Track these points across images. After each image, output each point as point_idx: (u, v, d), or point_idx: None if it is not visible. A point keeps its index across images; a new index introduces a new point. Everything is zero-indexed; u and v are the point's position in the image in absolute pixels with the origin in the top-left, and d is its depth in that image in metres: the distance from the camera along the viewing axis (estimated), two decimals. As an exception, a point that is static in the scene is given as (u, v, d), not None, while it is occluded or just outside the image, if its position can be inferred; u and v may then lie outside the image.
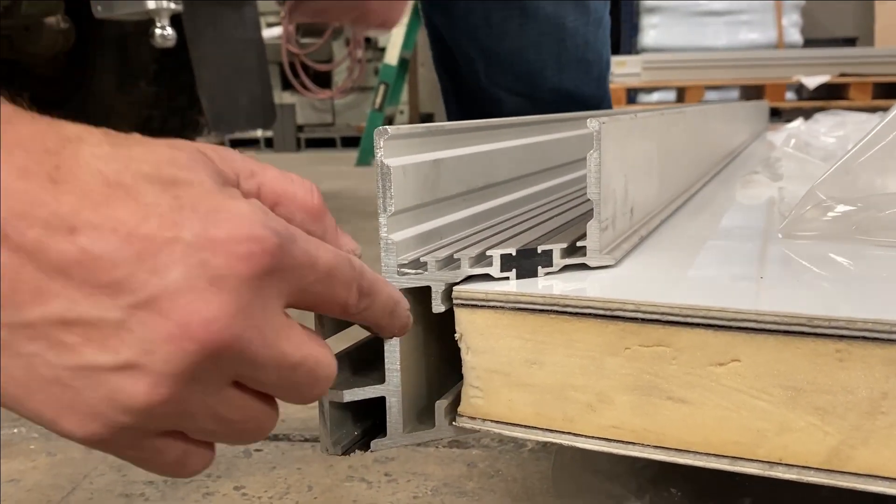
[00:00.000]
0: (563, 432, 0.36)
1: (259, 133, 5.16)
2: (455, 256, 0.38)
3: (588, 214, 0.49)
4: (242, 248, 0.24)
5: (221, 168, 0.27)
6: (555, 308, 0.35)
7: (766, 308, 0.32)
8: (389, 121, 4.13)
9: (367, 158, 4.01)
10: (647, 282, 0.39)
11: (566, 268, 0.40)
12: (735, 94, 3.73)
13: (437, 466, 0.74)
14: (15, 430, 0.86)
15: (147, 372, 0.23)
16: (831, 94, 3.37)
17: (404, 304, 0.34)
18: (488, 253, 0.38)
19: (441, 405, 0.38)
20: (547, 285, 0.38)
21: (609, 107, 0.90)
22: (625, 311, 0.34)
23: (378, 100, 4.03)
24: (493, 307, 0.37)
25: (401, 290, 0.37)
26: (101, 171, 0.23)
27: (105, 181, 0.23)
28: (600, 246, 0.40)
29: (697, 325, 0.33)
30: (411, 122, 4.96)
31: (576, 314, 0.35)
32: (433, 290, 0.37)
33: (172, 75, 2.64)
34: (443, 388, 0.40)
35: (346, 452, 0.37)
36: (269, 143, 5.22)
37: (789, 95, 3.64)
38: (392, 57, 3.97)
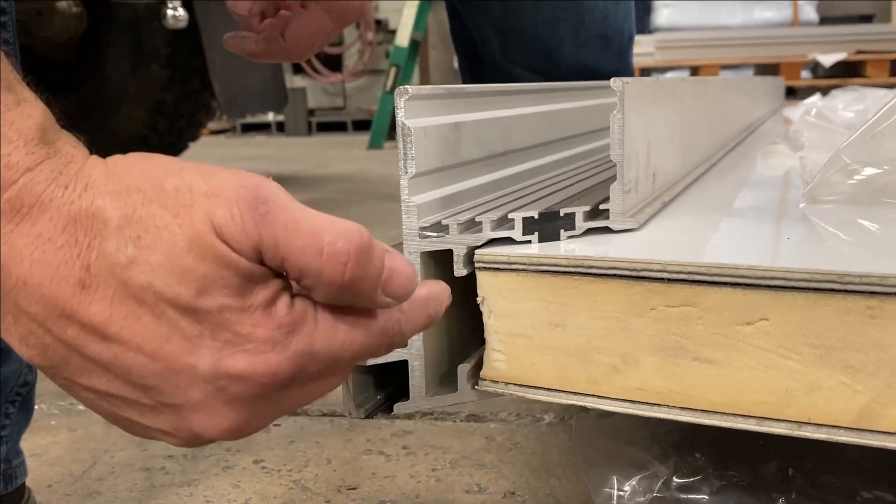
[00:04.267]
0: (588, 395, 0.36)
1: (270, 117, 5.16)
2: (477, 220, 0.38)
3: (609, 181, 0.49)
4: (258, 380, 0.25)
5: (241, 266, 0.25)
6: (579, 270, 0.35)
7: (795, 266, 0.31)
8: (401, 103, 4.11)
9: (378, 142, 4.00)
10: (671, 244, 0.39)
11: (588, 231, 0.39)
12: (750, 72, 3.69)
13: (455, 439, 0.75)
14: (36, 407, 0.86)
15: (182, 439, 0.27)
16: (847, 72, 3.32)
17: (439, 311, 0.31)
18: (510, 216, 0.38)
19: (463, 369, 0.38)
20: (570, 248, 0.37)
21: None
22: (651, 271, 0.33)
23: (389, 82, 4.01)
24: (515, 270, 0.36)
25: (422, 252, 0.37)
26: (126, 283, 0.25)
27: (131, 294, 0.25)
28: (623, 209, 0.39)
29: (725, 283, 0.32)
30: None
31: (600, 275, 0.34)
32: (455, 253, 0.37)
33: (185, 59, 2.65)
34: (465, 352, 0.40)
35: (369, 416, 0.37)
36: (280, 127, 5.22)
37: (805, 74, 3.60)
38: (403, 39, 3.95)
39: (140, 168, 0.26)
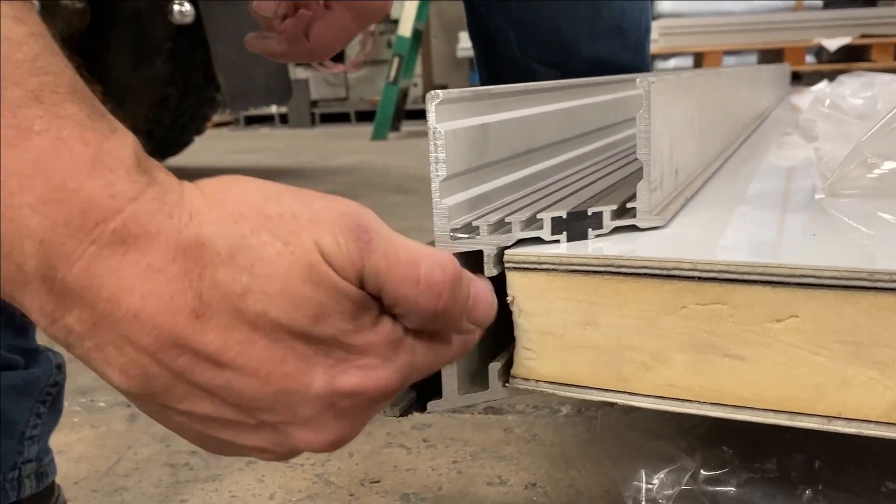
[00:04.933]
0: (618, 391, 0.37)
1: (273, 109, 5.16)
2: (506, 220, 0.38)
3: (631, 177, 0.50)
4: (369, 394, 0.27)
5: (352, 293, 0.26)
6: (609, 269, 0.35)
7: (824, 263, 0.32)
8: (404, 94, 4.11)
9: (382, 133, 4.00)
10: (697, 241, 0.39)
11: (615, 229, 0.40)
12: (753, 58, 3.68)
13: (475, 432, 0.75)
14: (57, 404, 0.87)
15: (277, 454, 0.28)
16: (852, 56, 3.31)
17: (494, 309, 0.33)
18: (539, 216, 0.38)
19: (494, 367, 0.39)
20: (598, 247, 0.38)
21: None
22: (681, 270, 0.34)
23: (392, 73, 4.01)
24: (545, 270, 0.37)
25: (454, 254, 0.37)
26: (241, 311, 0.25)
27: (246, 322, 0.25)
28: (650, 207, 0.40)
29: (755, 281, 0.33)
30: (425, 94, 4.94)
31: (631, 274, 0.35)
32: (485, 253, 0.37)
33: (188, 53, 2.65)
34: (494, 350, 0.41)
35: (403, 414, 0.38)
36: (283, 118, 5.21)
37: (809, 59, 3.58)
38: (405, 29, 3.93)
39: (237, 193, 0.26)
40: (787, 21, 3.55)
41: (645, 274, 0.35)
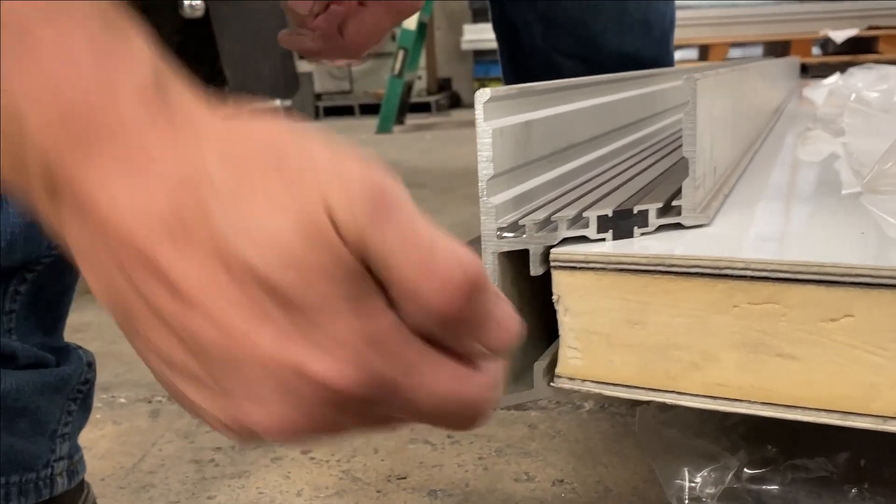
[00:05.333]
0: (667, 391, 0.36)
1: (277, 102, 5.14)
2: (552, 219, 0.38)
3: (668, 172, 0.49)
4: (334, 391, 0.22)
5: (350, 265, 0.22)
6: (660, 268, 0.35)
7: (880, 263, 0.32)
8: (409, 87, 4.10)
9: (387, 126, 3.99)
10: (742, 239, 0.39)
11: (659, 227, 0.40)
12: (759, 50, 3.67)
13: (499, 428, 0.75)
14: (78, 401, 0.87)
15: (235, 432, 0.24)
16: (859, 48, 3.30)
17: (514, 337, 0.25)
18: (584, 215, 0.38)
19: (539, 366, 0.38)
20: (644, 245, 0.38)
21: (671, 66, 0.89)
22: (734, 269, 0.34)
23: (397, 65, 3.99)
24: (593, 269, 0.37)
25: (499, 253, 0.37)
26: (220, 249, 0.22)
27: (221, 260, 0.22)
28: (694, 204, 0.39)
29: (809, 281, 0.33)
30: (429, 87, 4.92)
31: (682, 273, 0.35)
32: (531, 252, 0.37)
33: (196, 47, 2.64)
34: (537, 349, 0.41)
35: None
36: (287, 112, 5.20)
37: (815, 51, 3.57)
38: (410, 21, 3.92)
39: (259, 129, 0.23)
40: (793, 13, 3.54)
41: (696, 273, 0.35)
